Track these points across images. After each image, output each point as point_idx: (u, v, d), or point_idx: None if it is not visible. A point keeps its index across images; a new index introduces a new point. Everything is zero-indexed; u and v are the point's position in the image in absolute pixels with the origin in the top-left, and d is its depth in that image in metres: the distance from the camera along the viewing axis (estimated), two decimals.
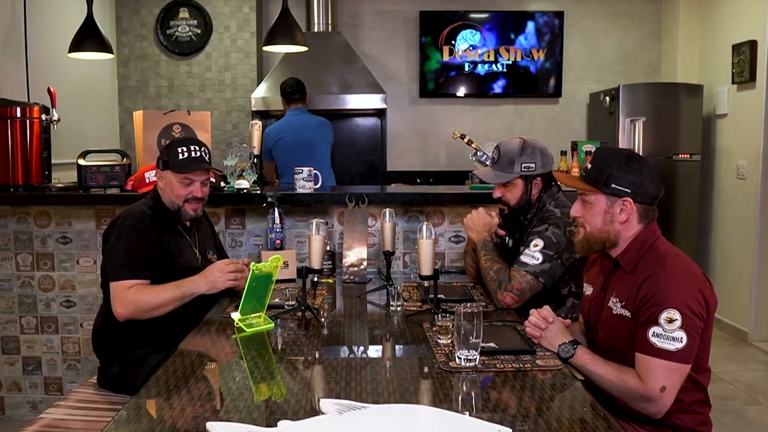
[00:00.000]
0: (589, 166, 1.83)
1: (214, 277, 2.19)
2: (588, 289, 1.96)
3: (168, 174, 2.28)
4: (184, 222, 2.37)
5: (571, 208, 1.89)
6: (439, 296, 2.12)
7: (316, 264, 2.21)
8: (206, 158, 2.31)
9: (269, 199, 2.87)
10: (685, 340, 1.60)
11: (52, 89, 3.12)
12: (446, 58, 5.59)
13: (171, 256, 2.25)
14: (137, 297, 2.12)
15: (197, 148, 2.29)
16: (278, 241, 2.82)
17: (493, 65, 5.61)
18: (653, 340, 1.62)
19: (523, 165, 2.31)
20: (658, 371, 1.61)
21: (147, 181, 2.92)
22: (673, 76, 5.41)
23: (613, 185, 1.75)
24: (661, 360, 1.61)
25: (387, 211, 2.56)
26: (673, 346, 1.60)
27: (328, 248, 2.65)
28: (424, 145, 5.73)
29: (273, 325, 2.02)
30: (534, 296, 2.23)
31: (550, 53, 5.63)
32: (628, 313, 1.73)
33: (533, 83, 5.68)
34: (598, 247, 1.83)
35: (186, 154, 2.26)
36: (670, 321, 1.61)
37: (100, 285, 2.36)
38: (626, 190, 1.75)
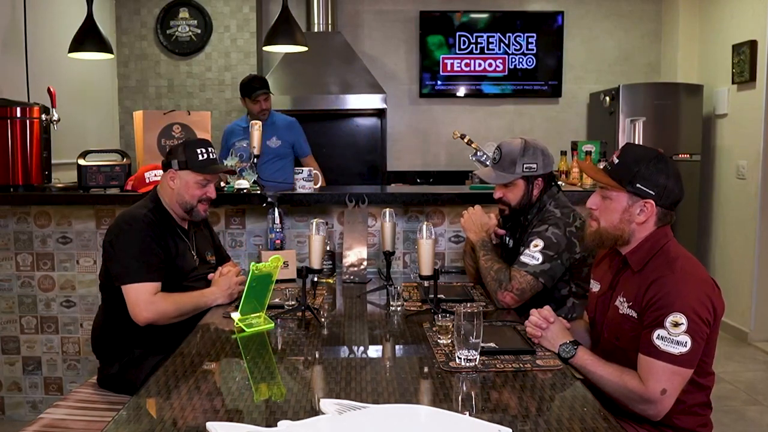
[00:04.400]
0: (616, 161, 1.77)
1: (232, 289, 2.28)
2: (595, 286, 1.95)
3: (186, 174, 2.30)
4: (182, 225, 2.37)
5: (588, 200, 1.84)
6: (439, 296, 2.12)
7: (316, 264, 2.21)
8: (218, 161, 2.40)
9: (269, 199, 2.88)
10: (689, 344, 1.59)
11: (52, 89, 3.12)
12: (447, 57, 5.60)
13: (173, 259, 2.26)
14: (165, 307, 2.15)
15: (213, 151, 2.36)
16: (278, 241, 2.82)
17: (494, 65, 5.61)
18: (657, 342, 1.61)
19: (525, 165, 2.31)
20: (660, 374, 1.61)
21: (147, 181, 2.92)
22: (673, 76, 5.41)
23: (638, 185, 1.72)
24: (664, 363, 1.60)
25: (387, 211, 2.56)
26: (677, 349, 1.59)
27: (328, 248, 2.65)
28: (424, 145, 5.73)
29: (273, 325, 2.02)
30: (534, 296, 2.23)
31: (550, 53, 5.63)
32: (634, 314, 1.72)
33: (533, 83, 5.69)
34: (609, 243, 1.80)
35: (206, 156, 2.32)
36: (676, 324, 1.60)
37: (99, 287, 2.36)
38: (650, 192, 1.71)
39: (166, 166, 2.34)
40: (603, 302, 1.88)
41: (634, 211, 1.74)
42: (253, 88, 4.03)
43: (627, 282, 1.79)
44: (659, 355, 1.61)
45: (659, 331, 1.61)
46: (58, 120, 3.10)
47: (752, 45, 4.43)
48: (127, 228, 2.20)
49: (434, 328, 1.91)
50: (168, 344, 1.90)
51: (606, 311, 1.85)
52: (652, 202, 1.72)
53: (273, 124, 4.13)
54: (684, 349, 1.59)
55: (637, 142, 4.86)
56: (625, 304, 1.75)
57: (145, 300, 2.13)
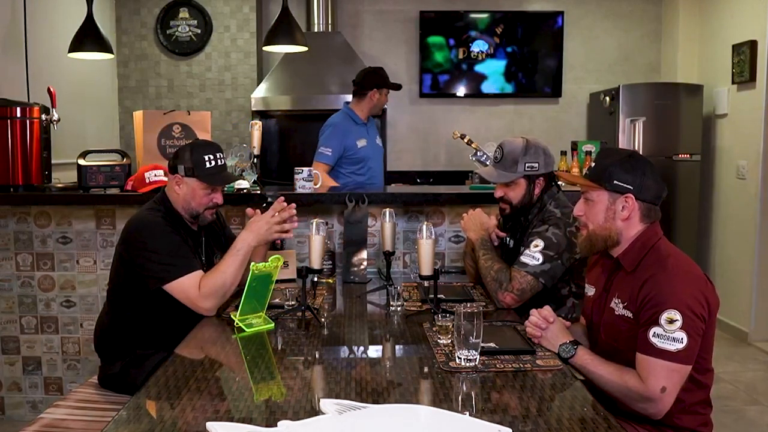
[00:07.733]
0: (593, 164, 1.85)
1: (263, 229, 2.23)
2: (590, 290, 1.96)
3: (192, 181, 2.24)
4: (192, 227, 2.35)
5: (574, 208, 1.89)
6: (439, 296, 2.12)
7: (316, 264, 2.21)
8: (227, 167, 2.33)
9: (269, 199, 2.87)
10: (685, 340, 1.60)
11: (52, 89, 3.11)
12: (447, 57, 5.60)
13: None
14: (213, 287, 2.11)
15: (221, 156, 2.28)
16: (278, 241, 2.82)
17: (493, 65, 5.61)
18: (654, 340, 1.62)
19: (526, 164, 2.31)
20: (659, 372, 1.61)
21: (147, 181, 2.92)
22: (673, 76, 5.41)
23: (615, 181, 1.77)
24: (662, 360, 1.61)
25: (387, 211, 2.56)
26: (673, 346, 1.60)
27: (328, 248, 2.65)
28: (424, 145, 5.73)
29: (273, 325, 2.02)
30: (534, 296, 2.23)
31: (550, 53, 5.63)
32: (630, 314, 1.72)
33: (533, 83, 5.68)
34: (600, 246, 1.83)
35: (213, 163, 2.24)
36: (671, 321, 1.61)
37: (108, 291, 2.33)
38: (628, 186, 1.76)
39: (172, 170, 2.28)
40: (599, 305, 1.89)
41: (617, 208, 1.78)
42: (389, 80, 3.78)
43: (621, 283, 1.80)
44: (657, 353, 1.61)
45: (655, 329, 1.62)
46: (58, 120, 3.10)
47: (752, 45, 4.43)
48: (147, 231, 2.18)
49: (434, 328, 1.91)
50: (170, 344, 1.90)
51: (602, 314, 1.86)
52: (632, 197, 1.76)
53: (373, 125, 3.92)
54: (680, 346, 1.60)
55: (637, 142, 4.87)
56: (621, 305, 1.76)
57: (195, 292, 2.10)
